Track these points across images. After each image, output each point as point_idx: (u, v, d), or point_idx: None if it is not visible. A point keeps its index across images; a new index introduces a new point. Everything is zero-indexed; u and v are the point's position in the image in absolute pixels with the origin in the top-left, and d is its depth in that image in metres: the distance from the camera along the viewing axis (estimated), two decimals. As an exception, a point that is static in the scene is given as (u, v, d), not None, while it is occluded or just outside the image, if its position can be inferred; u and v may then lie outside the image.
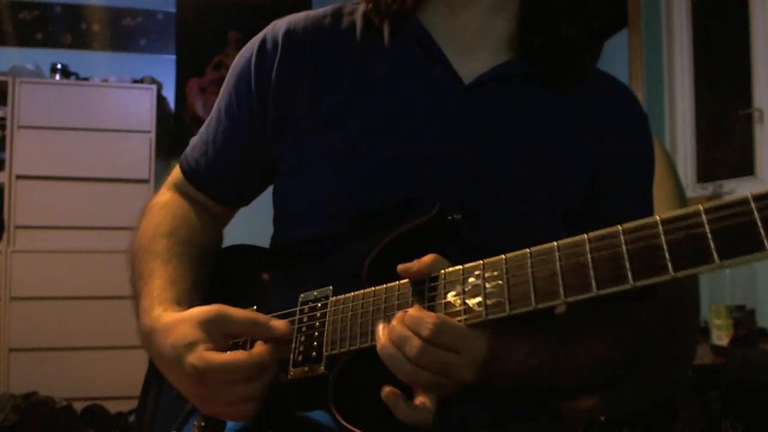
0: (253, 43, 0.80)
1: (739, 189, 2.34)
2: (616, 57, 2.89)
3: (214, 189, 0.86)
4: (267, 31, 0.80)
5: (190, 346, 0.60)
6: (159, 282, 0.71)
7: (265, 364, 0.61)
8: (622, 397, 1.11)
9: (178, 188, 0.88)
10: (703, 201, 2.63)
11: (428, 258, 0.61)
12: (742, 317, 1.99)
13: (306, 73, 0.76)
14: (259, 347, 0.62)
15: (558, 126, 0.77)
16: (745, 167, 2.37)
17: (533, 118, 0.77)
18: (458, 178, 0.73)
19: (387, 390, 0.56)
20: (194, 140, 0.87)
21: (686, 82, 2.71)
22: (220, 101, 0.83)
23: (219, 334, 0.62)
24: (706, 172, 2.63)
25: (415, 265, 0.61)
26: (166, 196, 0.87)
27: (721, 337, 1.98)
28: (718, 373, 1.76)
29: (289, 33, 0.78)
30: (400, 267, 0.62)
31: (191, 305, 0.67)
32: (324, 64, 0.77)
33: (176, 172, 0.88)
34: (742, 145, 2.40)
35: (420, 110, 0.75)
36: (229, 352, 0.62)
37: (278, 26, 0.79)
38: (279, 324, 0.64)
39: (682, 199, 1.13)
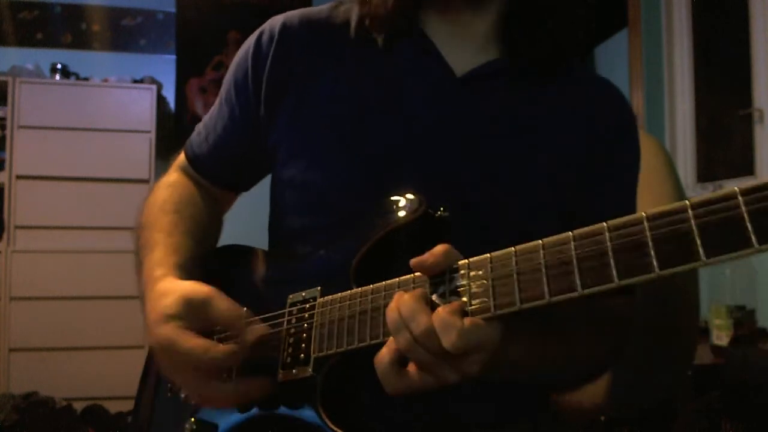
0: (252, 36, 0.83)
1: (739, 189, 2.34)
2: (616, 57, 2.89)
3: (214, 174, 0.89)
4: (265, 25, 0.83)
5: (169, 318, 0.62)
6: (162, 249, 0.74)
7: (226, 364, 0.61)
8: (623, 396, 1.11)
9: (184, 171, 0.91)
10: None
11: (440, 249, 0.56)
12: (742, 317, 2.00)
13: (299, 65, 0.79)
14: (227, 347, 0.62)
15: (547, 121, 0.78)
16: (745, 167, 2.37)
17: (524, 113, 0.78)
18: (454, 171, 0.74)
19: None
20: (199, 127, 0.91)
21: (686, 82, 2.71)
22: (222, 91, 0.87)
23: (200, 317, 0.63)
24: (706, 172, 2.63)
25: (429, 258, 0.56)
26: (173, 176, 0.90)
27: (721, 337, 1.98)
28: (718, 373, 1.77)
29: (284, 27, 0.81)
30: (413, 261, 0.57)
31: (191, 276, 0.70)
32: (317, 57, 0.79)
33: (182, 156, 0.92)
34: (742, 145, 2.40)
35: (414, 102, 0.76)
36: (200, 338, 0.62)
37: (275, 20, 0.83)
38: (258, 328, 0.65)
39: (681, 200, 1.13)
